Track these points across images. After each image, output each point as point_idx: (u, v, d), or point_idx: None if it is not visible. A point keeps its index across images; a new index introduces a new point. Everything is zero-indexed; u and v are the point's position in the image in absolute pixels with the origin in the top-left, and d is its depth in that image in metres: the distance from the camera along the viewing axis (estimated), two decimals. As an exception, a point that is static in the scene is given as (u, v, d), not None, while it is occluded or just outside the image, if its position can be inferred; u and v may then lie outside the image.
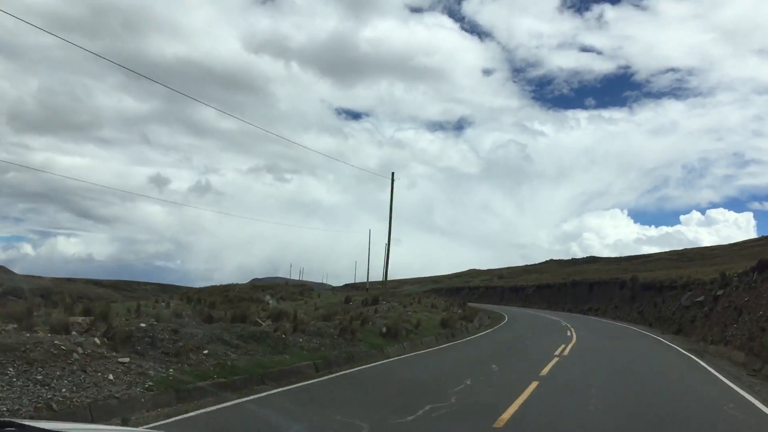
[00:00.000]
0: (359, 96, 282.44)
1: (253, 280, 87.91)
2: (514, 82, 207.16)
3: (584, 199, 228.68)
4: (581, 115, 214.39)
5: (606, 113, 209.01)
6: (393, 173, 34.34)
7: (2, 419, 1.62)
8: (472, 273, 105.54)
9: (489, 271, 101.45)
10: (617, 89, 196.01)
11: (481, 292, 70.29)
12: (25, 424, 1.57)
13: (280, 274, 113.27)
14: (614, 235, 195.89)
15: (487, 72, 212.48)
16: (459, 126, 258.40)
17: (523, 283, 63.08)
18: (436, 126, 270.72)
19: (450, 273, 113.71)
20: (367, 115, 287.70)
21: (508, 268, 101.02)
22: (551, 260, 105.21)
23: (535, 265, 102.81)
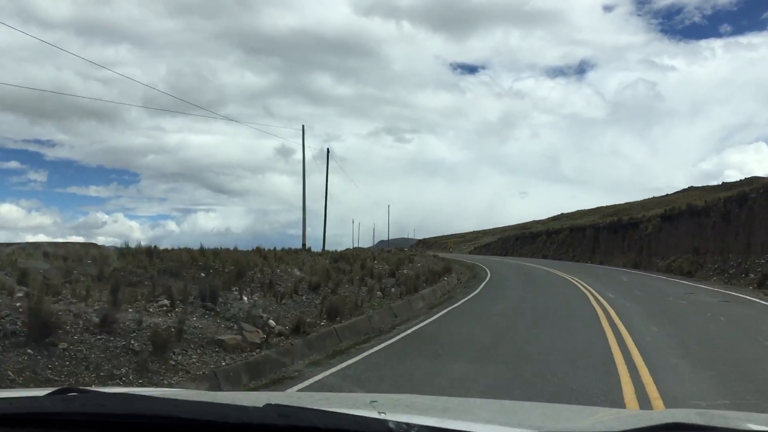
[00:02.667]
0: (474, 48, 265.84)
1: (380, 242, 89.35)
2: (639, 15, 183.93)
3: (724, 135, 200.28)
4: (716, 44, 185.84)
5: (744, 39, 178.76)
6: (303, 126, 31.60)
7: (63, 387, 1.70)
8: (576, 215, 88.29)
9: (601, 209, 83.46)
10: (756, 11, 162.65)
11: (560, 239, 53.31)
12: (86, 389, 1.63)
13: (406, 235, 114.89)
14: (760, 170, 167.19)
15: (607, 8, 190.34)
16: (581, 69, 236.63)
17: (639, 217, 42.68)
18: (556, 72, 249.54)
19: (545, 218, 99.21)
20: (483, 67, 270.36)
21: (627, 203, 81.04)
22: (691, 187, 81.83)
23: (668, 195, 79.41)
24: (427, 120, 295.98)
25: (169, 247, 15.92)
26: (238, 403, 1.35)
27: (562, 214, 76.06)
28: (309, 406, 1.34)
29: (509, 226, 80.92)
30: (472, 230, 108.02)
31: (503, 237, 68.16)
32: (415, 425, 1.15)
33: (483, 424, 1.35)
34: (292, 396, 2.69)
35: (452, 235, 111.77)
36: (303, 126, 32.54)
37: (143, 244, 14.75)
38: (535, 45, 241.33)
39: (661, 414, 1.83)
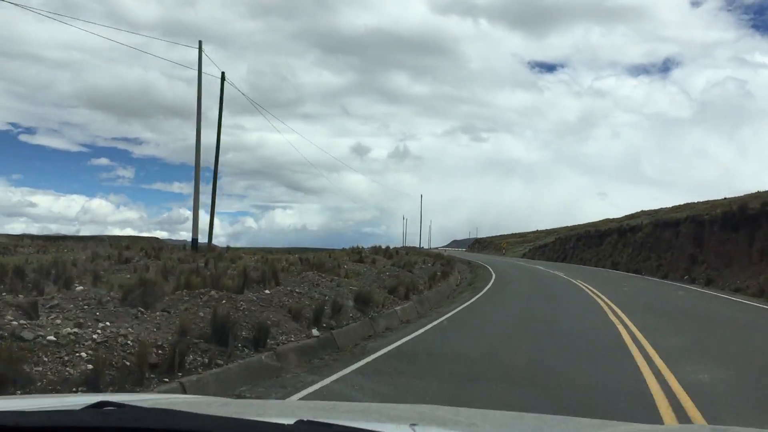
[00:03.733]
0: (553, 46, 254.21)
1: (452, 242, 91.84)
2: (729, 10, 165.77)
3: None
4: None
5: None
6: (200, 41, 23.42)
7: (100, 400, 1.53)
8: (660, 212, 70.63)
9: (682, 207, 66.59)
10: None
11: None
12: (122, 404, 1.53)
13: (480, 235, 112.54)
14: None
15: (695, 3, 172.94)
16: (665, 67, 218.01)
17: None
18: (639, 70, 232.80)
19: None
20: (562, 66, 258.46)
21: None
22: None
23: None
24: (504, 119, 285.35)
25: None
26: (267, 413, 1.52)
27: (642, 211, 58.42)
28: (340, 423, 1.34)
29: (577, 225, 63.83)
30: (533, 230, 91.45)
31: (563, 237, 51.99)
32: None
33: None
34: (325, 408, 2.23)
35: (512, 234, 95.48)
36: (200, 41, 23.96)
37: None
38: (617, 42, 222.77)
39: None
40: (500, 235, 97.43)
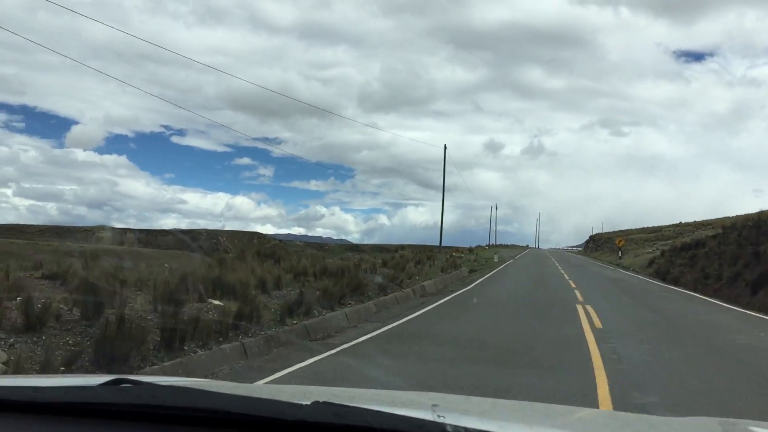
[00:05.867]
0: (701, 33, 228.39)
1: (589, 239, 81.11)
2: None
3: None
4: None
5: None
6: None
7: (116, 376, 1.51)
8: None
9: None
10: None
11: None
12: (139, 381, 1.52)
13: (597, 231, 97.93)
14: None
15: None
16: None
17: None
18: None
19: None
20: (711, 54, 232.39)
21: None
22: None
23: None
24: (646, 112, 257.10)
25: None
26: (279, 396, 1.41)
27: None
28: (362, 405, 1.30)
29: (737, 216, 40.44)
30: (674, 222, 67.76)
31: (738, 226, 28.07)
32: (473, 429, 1.11)
33: (547, 429, 1.27)
34: (338, 393, 2.05)
35: (639, 229, 72.17)
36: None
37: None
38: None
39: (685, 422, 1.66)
40: (621, 231, 74.42)
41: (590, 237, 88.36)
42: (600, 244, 71.50)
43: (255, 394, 1.39)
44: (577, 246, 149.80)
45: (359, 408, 1.22)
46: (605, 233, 79.51)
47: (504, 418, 1.51)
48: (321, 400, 1.21)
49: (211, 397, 1.32)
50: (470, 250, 54.66)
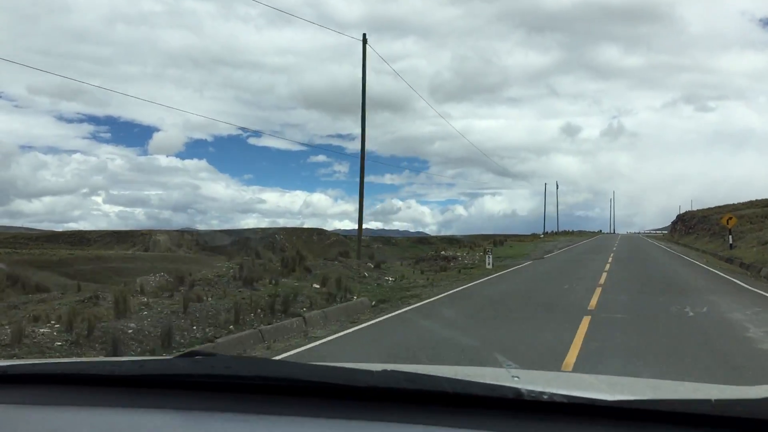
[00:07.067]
0: None
1: (675, 221, 71.30)
2: None
3: None
4: None
5: None
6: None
7: (189, 349, 1.85)
8: None
9: None
10: None
11: None
12: (213, 353, 1.72)
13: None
14: None
15: None
16: None
17: None
18: None
19: None
20: None
21: None
22: None
23: None
24: (733, 85, 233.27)
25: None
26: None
27: None
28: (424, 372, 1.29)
29: None
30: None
31: None
32: (548, 392, 1.11)
33: (611, 394, 1.22)
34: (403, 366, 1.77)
35: (749, 202, 53.96)
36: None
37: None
38: None
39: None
40: (724, 206, 56.03)
41: (678, 217, 69.51)
42: (693, 225, 53.60)
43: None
44: (662, 229, 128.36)
45: (431, 375, 1.21)
46: (699, 210, 60.93)
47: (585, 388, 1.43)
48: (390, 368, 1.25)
49: (283, 366, 1.44)
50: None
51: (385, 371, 1.22)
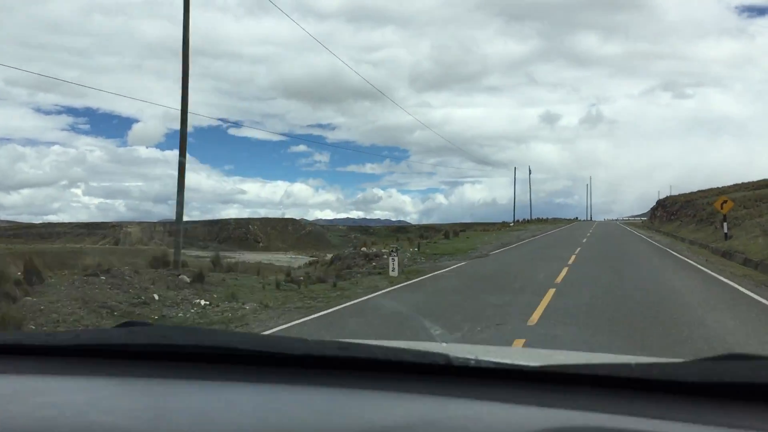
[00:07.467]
0: None
1: (655, 206, 70.23)
2: None
3: None
4: None
5: None
6: None
7: (127, 320, 1.60)
8: None
9: None
10: None
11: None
12: (148, 322, 1.74)
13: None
14: None
15: None
16: None
17: None
18: None
19: None
20: None
21: None
22: None
23: None
24: (710, 72, 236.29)
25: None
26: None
27: None
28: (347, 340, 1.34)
29: None
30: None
31: None
32: (475, 359, 1.14)
33: (537, 361, 1.24)
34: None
35: (739, 185, 48.59)
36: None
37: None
38: None
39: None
40: (709, 190, 50.37)
41: (658, 203, 63.77)
42: (675, 212, 47.77)
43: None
44: (641, 216, 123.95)
45: (365, 343, 1.24)
46: (681, 195, 55.13)
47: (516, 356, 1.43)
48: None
49: (218, 335, 1.40)
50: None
51: (320, 340, 1.25)
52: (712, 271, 15.02)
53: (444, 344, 1.44)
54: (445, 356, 1.12)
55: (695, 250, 22.90)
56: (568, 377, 1.08)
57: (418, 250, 21.23)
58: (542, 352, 2.03)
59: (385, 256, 20.70)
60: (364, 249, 21.53)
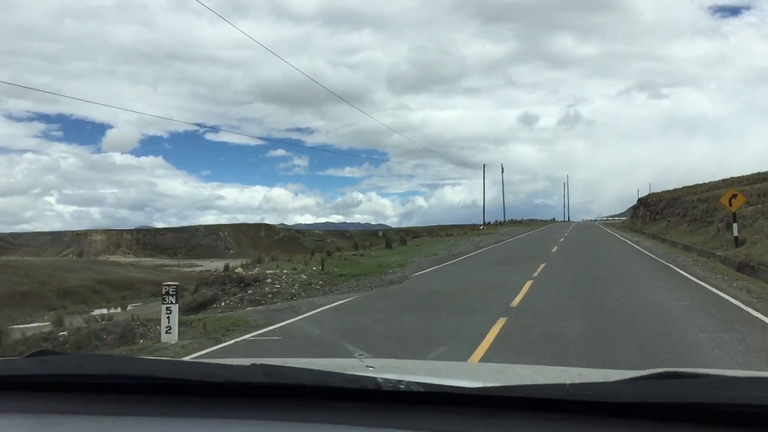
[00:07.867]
0: None
1: (637, 205, 65.65)
2: None
3: None
4: None
5: None
6: None
7: (39, 350, 1.42)
8: None
9: None
10: None
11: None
12: (64, 352, 1.54)
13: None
14: None
15: None
16: None
17: None
18: None
19: None
20: (748, 7, 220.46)
21: None
22: None
23: None
24: (685, 72, 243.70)
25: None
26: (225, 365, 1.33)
27: None
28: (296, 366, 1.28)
29: None
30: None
31: None
32: (404, 381, 1.12)
33: (470, 381, 1.25)
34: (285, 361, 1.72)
35: (724, 180, 43.47)
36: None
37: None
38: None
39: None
40: (695, 186, 45.07)
41: (639, 201, 58.47)
42: (660, 210, 42.40)
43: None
44: (620, 215, 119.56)
45: (291, 367, 1.21)
46: (666, 192, 49.85)
47: (448, 375, 1.54)
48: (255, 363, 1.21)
49: (138, 364, 1.34)
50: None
51: (242, 366, 1.19)
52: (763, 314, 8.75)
53: (368, 363, 1.34)
54: (374, 380, 1.11)
55: (704, 263, 16.97)
56: (505, 400, 1.08)
57: (322, 269, 15.07)
58: (485, 367, 2.11)
59: (269, 280, 14.60)
60: (239, 270, 15.21)
